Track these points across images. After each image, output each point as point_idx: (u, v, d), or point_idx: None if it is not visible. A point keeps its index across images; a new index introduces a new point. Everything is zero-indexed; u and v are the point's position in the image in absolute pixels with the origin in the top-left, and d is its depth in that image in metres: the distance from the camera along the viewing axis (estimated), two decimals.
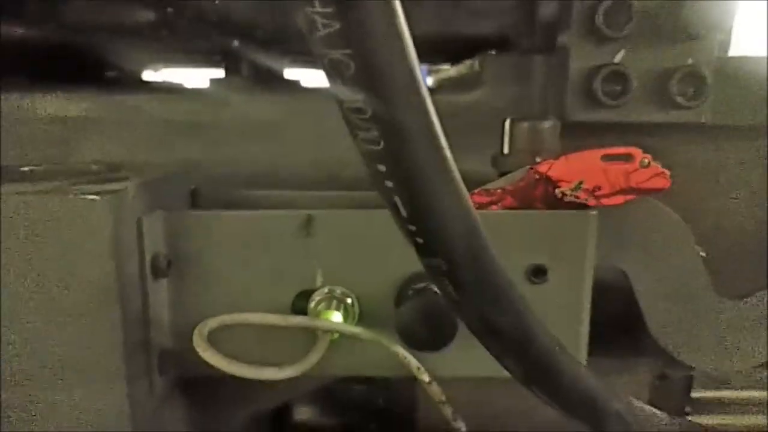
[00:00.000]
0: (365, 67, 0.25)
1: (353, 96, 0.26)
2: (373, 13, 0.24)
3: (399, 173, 0.28)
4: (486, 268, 0.32)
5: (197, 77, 1.08)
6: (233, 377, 0.46)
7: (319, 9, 0.23)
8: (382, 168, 0.28)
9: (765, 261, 0.62)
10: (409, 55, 0.26)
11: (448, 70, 0.94)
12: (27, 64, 0.80)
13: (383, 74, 0.25)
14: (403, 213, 0.30)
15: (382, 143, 0.27)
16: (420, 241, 0.31)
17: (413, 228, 0.30)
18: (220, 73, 0.96)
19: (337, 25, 0.24)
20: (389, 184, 0.29)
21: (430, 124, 0.27)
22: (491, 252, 0.32)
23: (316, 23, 0.24)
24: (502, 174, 0.59)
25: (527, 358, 0.37)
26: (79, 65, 0.84)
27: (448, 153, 0.29)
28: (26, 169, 0.57)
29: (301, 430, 0.78)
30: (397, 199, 0.29)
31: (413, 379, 0.58)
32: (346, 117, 0.27)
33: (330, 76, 0.26)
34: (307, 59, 0.97)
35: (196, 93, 0.78)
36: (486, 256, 0.32)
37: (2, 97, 0.69)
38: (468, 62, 0.79)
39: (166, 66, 1.09)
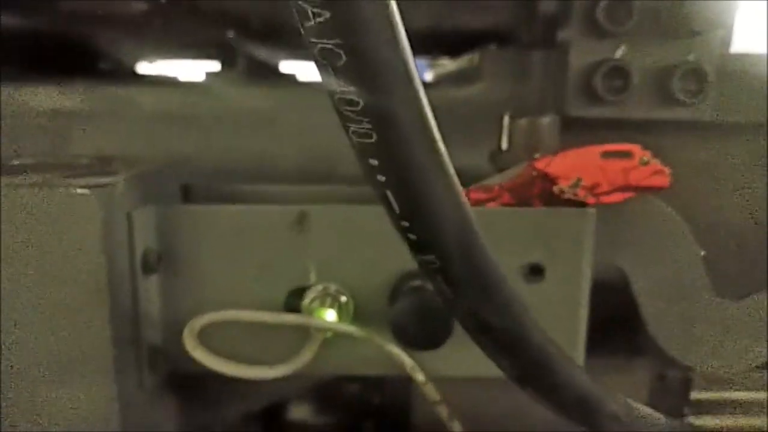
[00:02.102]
0: (356, 57, 0.24)
1: (344, 87, 0.25)
2: (364, 2, 0.23)
3: (391, 167, 0.27)
4: (479, 264, 0.32)
5: (193, 70, 1.07)
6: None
7: None
8: (374, 162, 0.27)
9: (765, 261, 0.61)
10: (402, 46, 0.25)
11: (447, 65, 0.93)
12: (18, 55, 0.79)
13: (374, 64, 0.24)
14: (396, 208, 0.29)
15: (374, 136, 0.26)
16: (412, 237, 0.30)
17: (406, 224, 0.30)
18: (215, 66, 0.95)
19: (327, 14, 0.23)
20: (381, 178, 0.28)
21: (423, 116, 0.27)
22: (485, 248, 0.31)
23: (307, 12, 0.23)
24: (500, 170, 0.59)
25: (521, 357, 0.36)
26: (73, 57, 0.83)
27: (442, 147, 0.28)
28: (15, 162, 0.56)
29: (294, 429, 0.78)
30: (389, 194, 0.28)
31: (408, 378, 0.57)
32: (338, 109, 0.26)
33: (321, 66, 0.25)
34: (303, 52, 0.97)
35: (190, 86, 0.77)
36: (480, 252, 0.31)
37: None
38: (467, 56, 0.78)
39: (161, 58, 1.08)
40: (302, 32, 0.24)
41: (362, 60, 0.24)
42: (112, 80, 0.73)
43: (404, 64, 0.25)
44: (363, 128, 0.26)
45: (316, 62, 0.25)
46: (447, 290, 0.32)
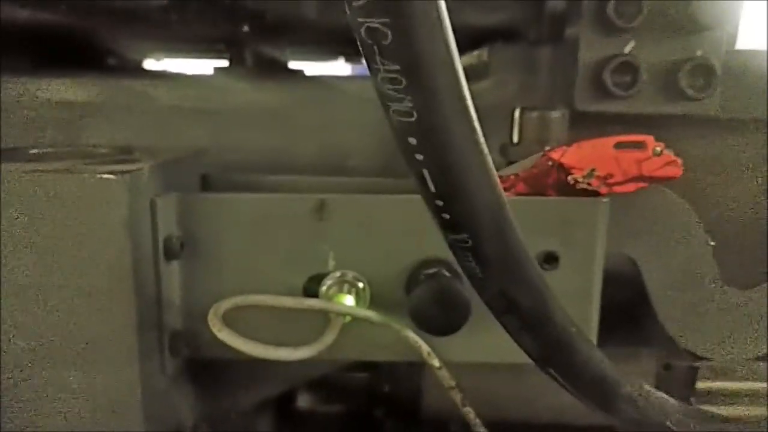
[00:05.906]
0: (402, 36, 0.25)
1: (388, 66, 0.26)
2: None
3: (430, 146, 0.28)
4: (510, 243, 0.33)
5: (199, 67, 1.08)
6: (243, 360, 0.46)
7: None
8: (413, 141, 0.28)
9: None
10: (445, 26, 0.26)
11: None
12: (31, 47, 0.79)
13: (420, 43, 0.25)
14: (432, 187, 0.30)
15: (415, 115, 0.27)
16: (446, 216, 0.31)
17: (440, 203, 0.30)
18: (223, 63, 0.96)
19: None
20: (419, 157, 0.29)
21: (462, 96, 0.27)
22: (515, 228, 0.32)
23: None
24: (511, 163, 0.59)
25: (544, 336, 0.37)
26: (82, 51, 0.84)
27: (478, 127, 0.29)
28: (35, 151, 0.57)
29: (305, 417, 0.78)
30: (426, 172, 0.29)
31: (418, 366, 0.58)
32: (380, 88, 0.27)
33: (366, 46, 0.26)
34: (312, 49, 0.97)
35: (202, 79, 0.77)
36: (511, 232, 0.32)
37: (6, 80, 0.68)
38: (476, 52, 0.79)
39: (169, 56, 1.09)
40: (348, 12, 0.25)
41: (408, 39, 0.25)
42: (126, 73, 0.73)
43: (447, 44, 0.26)
44: (404, 107, 0.27)
45: (361, 42, 0.26)
46: (476, 269, 0.33)
